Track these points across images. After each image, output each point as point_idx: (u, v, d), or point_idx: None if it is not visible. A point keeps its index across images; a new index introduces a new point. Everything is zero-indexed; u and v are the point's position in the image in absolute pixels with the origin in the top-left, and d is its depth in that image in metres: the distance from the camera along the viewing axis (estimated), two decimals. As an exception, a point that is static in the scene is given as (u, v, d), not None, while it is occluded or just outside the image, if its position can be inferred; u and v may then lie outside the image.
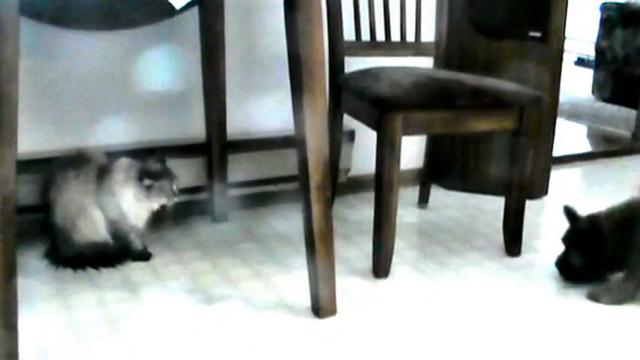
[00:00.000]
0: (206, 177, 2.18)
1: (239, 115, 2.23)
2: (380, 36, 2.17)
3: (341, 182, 2.37)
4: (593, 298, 1.79)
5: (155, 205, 1.88)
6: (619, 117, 4.00)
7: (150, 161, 1.86)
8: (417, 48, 2.23)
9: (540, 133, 2.49)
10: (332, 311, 1.65)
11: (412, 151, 2.49)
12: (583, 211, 2.03)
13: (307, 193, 1.56)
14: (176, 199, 1.88)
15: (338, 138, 2.17)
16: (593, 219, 1.87)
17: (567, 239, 1.91)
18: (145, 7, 1.57)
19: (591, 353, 1.55)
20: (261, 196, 2.32)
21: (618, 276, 1.83)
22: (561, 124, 2.89)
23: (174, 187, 1.87)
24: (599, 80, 4.44)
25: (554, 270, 1.96)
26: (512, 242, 2.05)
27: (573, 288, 1.86)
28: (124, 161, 1.87)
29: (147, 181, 1.83)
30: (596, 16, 4.49)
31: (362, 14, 2.13)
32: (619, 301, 1.77)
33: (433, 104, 1.83)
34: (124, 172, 1.84)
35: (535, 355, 1.54)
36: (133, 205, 1.85)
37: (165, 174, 1.86)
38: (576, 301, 1.79)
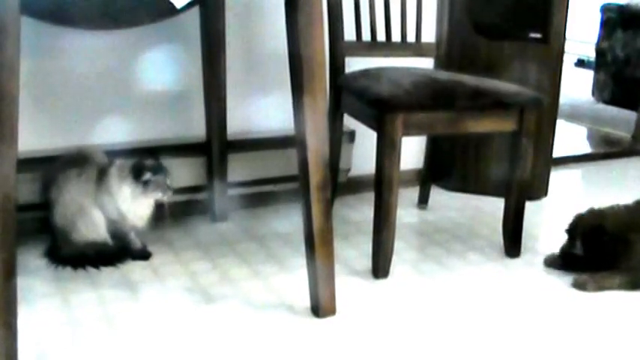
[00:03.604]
0: (206, 176, 2.18)
1: (239, 115, 2.23)
2: (380, 36, 2.18)
3: (341, 182, 2.37)
4: (580, 286, 1.85)
5: (151, 201, 1.88)
6: (619, 119, 4.00)
7: (143, 158, 1.86)
8: (418, 48, 2.23)
9: (540, 134, 2.49)
10: (331, 311, 1.65)
11: (412, 151, 2.49)
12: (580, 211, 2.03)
13: (307, 193, 1.56)
14: (171, 194, 1.88)
15: (338, 138, 2.17)
16: (600, 216, 1.92)
17: (573, 231, 1.94)
18: (146, 6, 1.57)
19: (592, 353, 1.55)
20: (261, 196, 2.32)
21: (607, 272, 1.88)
22: (561, 125, 2.89)
23: (169, 182, 1.87)
24: (600, 82, 4.44)
25: (554, 271, 1.96)
26: (512, 243, 2.05)
27: (573, 289, 1.86)
28: (120, 162, 1.87)
29: (145, 176, 1.83)
30: (596, 18, 4.49)
31: (363, 14, 2.13)
32: (602, 289, 1.84)
33: (433, 105, 1.83)
34: (121, 173, 1.84)
35: (534, 354, 1.54)
36: (131, 204, 1.85)
37: (160, 169, 1.86)
38: (577, 302, 1.79)
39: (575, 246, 1.93)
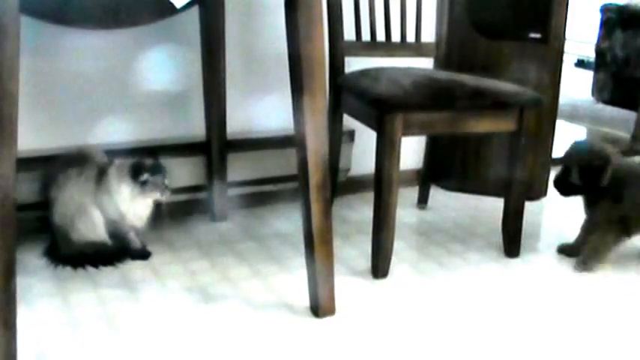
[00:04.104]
0: (206, 176, 2.18)
1: (239, 115, 2.23)
2: (380, 36, 2.18)
3: (340, 182, 2.37)
4: (582, 268, 1.95)
5: (150, 201, 1.88)
6: (619, 119, 4.01)
7: (142, 158, 1.86)
8: (418, 48, 2.23)
9: (540, 134, 2.49)
10: (331, 311, 1.66)
11: (412, 151, 2.49)
12: (580, 213, 2.04)
13: (307, 193, 1.56)
14: (169, 194, 1.88)
15: (338, 138, 2.17)
16: (605, 153, 1.96)
17: (571, 159, 1.99)
18: (146, 6, 1.57)
19: (592, 352, 1.55)
20: (260, 196, 2.32)
21: (597, 233, 1.96)
22: (561, 125, 2.89)
23: (167, 182, 1.87)
24: (599, 82, 4.44)
25: (553, 271, 1.97)
26: (511, 243, 2.05)
27: (573, 289, 1.86)
28: (119, 161, 1.87)
29: (143, 176, 1.83)
30: (596, 18, 4.49)
31: (362, 14, 2.13)
32: (603, 258, 1.96)
33: (433, 105, 1.83)
34: (119, 172, 1.84)
35: (534, 354, 1.54)
36: (130, 203, 1.85)
37: (158, 169, 1.86)
38: (576, 302, 1.79)
39: (571, 175, 1.95)
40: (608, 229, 1.95)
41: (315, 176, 1.55)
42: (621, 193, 1.92)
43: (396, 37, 2.19)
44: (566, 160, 1.98)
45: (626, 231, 1.96)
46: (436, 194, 2.54)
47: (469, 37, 2.48)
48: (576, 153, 1.98)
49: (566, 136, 3.44)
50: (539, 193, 2.61)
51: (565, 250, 2.07)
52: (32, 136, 1.94)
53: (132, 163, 1.84)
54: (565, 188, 1.98)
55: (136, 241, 1.92)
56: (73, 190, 1.85)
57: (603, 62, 4.39)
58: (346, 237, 2.13)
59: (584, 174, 1.92)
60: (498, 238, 2.09)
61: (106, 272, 1.84)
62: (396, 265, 1.93)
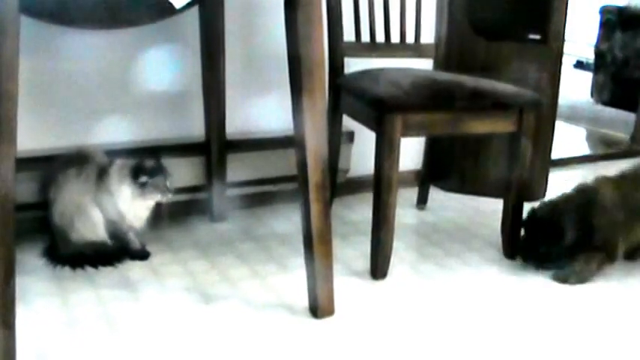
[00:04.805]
0: (205, 176, 2.18)
1: (238, 115, 2.23)
2: (380, 37, 2.18)
3: (340, 183, 2.37)
4: (562, 280, 1.90)
5: (151, 202, 1.88)
6: (618, 120, 4.01)
7: (144, 159, 1.86)
8: (417, 49, 2.23)
9: (539, 135, 2.49)
10: (330, 311, 1.66)
11: (411, 152, 2.49)
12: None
13: (306, 193, 1.56)
14: (170, 195, 1.88)
15: (337, 138, 2.17)
16: (552, 207, 1.95)
17: (528, 227, 1.99)
18: (145, 6, 1.57)
19: (591, 352, 1.55)
20: (260, 196, 2.32)
21: (581, 258, 1.91)
22: (560, 126, 2.89)
23: (168, 183, 1.87)
24: (599, 83, 4.44)
25: (552, 272, 1.96)
26: (510, 244, 2.05)
27: (572, 290, 1.86)
28: (120, 161, 1.87)
29: (142, 178, 1.83)
30: (595, 19, 4.50)
31: (362, 15, 2.14)
32: (584, 280, 1.89)
33: (432, 106, 1.83)
34: (120, 172, 1.84)
35: (533, 355, 1.54)
36: (130, 204, 1.85)
37: (159, 170, 1.86)
38: (576, 302, 1.79)
39: (537, 244, 1.94)
40: (592, 257, 1.90)
41: (314, 176, 1.55)
42: (591, 232, 1.89)
43: (395, 38, 2.20)
44: (528, 232, 1.97)
45: (610, 257, 1.91)
46: (435, 195, 2.54)
47: (468, 38, 2.48)
48: (536, 221, 1.95)
49: (565, 137, 3.46)
50: (538, 194, 2.61)
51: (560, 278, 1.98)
52: (32, 136, 1.93)
53: (133, 164, 1.84)
54: (537, 258, 1.96)
55: (135, 242, 1.92)
56: (72, 190, 1.85)
57: (602, 63, 4.39)
58: (345, 237, 2.13)
59: (549, 241, 1.91)
60: (497, 239, 2.09)
61: (106, 272, 1.84)
62: (396, 265, 1.94)
